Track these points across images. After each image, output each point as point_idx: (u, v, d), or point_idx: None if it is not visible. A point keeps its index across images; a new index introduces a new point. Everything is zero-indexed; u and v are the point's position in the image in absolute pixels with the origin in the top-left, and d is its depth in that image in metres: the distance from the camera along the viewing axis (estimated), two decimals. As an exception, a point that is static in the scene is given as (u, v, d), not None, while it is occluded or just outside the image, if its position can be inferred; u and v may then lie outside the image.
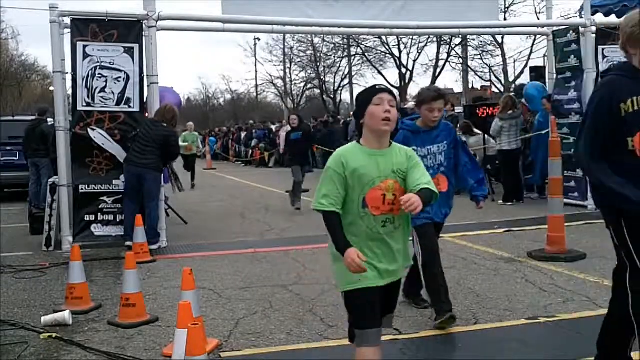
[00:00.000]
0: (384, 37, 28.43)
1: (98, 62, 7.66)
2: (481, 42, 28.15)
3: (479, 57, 29.49)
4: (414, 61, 32.11)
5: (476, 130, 12.16)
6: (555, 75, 10.36)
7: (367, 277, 2.82)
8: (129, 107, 7.79)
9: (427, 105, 4.37)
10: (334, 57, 36.21)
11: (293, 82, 40.94)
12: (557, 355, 3.86)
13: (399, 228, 2.90)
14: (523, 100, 11.20)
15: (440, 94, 4.46)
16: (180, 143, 15.48)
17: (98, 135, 7.67)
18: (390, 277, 2.92)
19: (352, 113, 19.65)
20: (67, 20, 7.71)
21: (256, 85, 45.18)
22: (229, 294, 5.50)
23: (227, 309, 5.02)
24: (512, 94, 12.09)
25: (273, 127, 26.62)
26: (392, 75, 33.85)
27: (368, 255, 2.81)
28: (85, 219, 7.68)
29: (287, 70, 40.35)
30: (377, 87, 2.97)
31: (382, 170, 2.84)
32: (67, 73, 7.82)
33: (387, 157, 2.88)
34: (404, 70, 32.42)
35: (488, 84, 31.39)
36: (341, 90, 38.91)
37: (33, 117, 12.01)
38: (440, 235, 7.49)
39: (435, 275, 4.37)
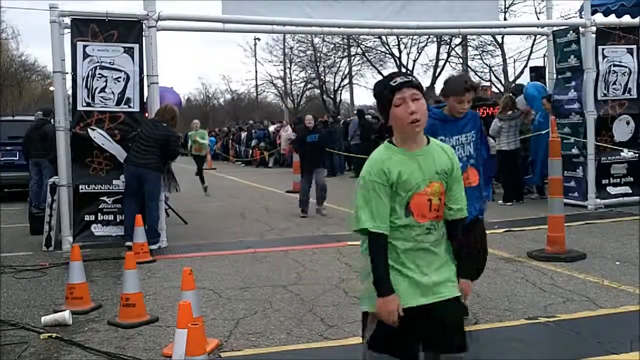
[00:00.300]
0: (384, 37, 28.44)
1: (98, 62, 7.66)
2: (481, 42, 28.15)
3: (479, 57, 29.50)
4: (414, 61, 32.11)
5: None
6: (555, 75, 10.36)
7: (404, 296, 2.43)
8: (129, 107, 7.79)
9: (457, 97, 4.05)
10: (334, 57, 36.23)
11: (293, 82, 40.99)
12: (557, 355, 3.86)
13: (442, 237, 2.55)
14: (519, 105, 11.12)
15: (472, 85, 4.15)
16: (190, 143, 15.29)
17: (98, 135, 7.67)
18: (435, 294, 2.47)
19: (355, 112, 19.64)
20: (67, 20, 7.71)
21: (256, 85, 45.24)
22: (229, 294, 5.50)
23: (227, 309, 5.02)
24: (510, 94, 12.06)
25: (272, 128, 26.58)
26: (392, 75, 33.80)
27: (409, 268, 2.46)
28: (85, 219, 7.69)
29: (287, 70, 40.42)
30: (392, 83, 2.46)
31: (426, 172, 2.48)
32: (67, 73, 7.82)
33: (428, 156, 2.51)
34: (404, 70, 32.40)
35: (488, 84, 31.35)
36: (341, 90, 38.96)
37: (35, 117, 11.99)
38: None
39: None
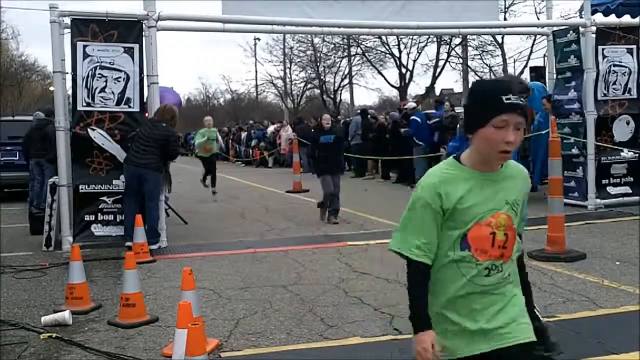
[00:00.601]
0: (384, 37, 28.44)
1: (98, 62, 7.66)
2: (481, 42, 28.15)
3: (479, 57, 29.50)
4: (414, 61, 32.13)
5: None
6: (555, 75, 10.36)
7: (455, 347, 2.07)
8: (129, 107, 7.79)
9: None
10: (334, 57, 36.25)
11: (293, 82, 41.00)
12: (557, 355, 3.86)
13: (507, 278, 2.10)
14: None
15: (527, 86, 3.88)
16: (198, 141, 13.16)
17: (98, 135, 7.67)
18: (499, 340, 2.04)
19: (358, 112, 19.60)
20: (67, 20, 7.72)
21: (256, 85, 45.22)
22: (229, 294, 5.50)
23: (227, 309, 5.02)
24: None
25: (271, 128, 26.55)
26: (392, 75, 33.91)
27: (460, 314, 2.07)
28: (85, 219, 7.69)
29: (287, 70, 40.42)
30: (505, 99, 1.99)
31: (496, 200, 2.08)
32: (67, 73, 7.83)
33: (501, 181, 2.12)
34: (404, 70, 32.43)
35: (488, 84, 31.32)
36: (341, 90, 38.98)
37: (33, 118, 11.97)
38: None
39: None
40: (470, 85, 2.19)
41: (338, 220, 9.30)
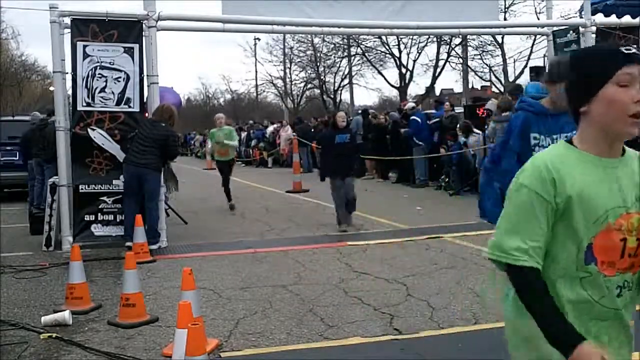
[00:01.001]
0: (384, 37, 28.44)
1: (98, 62, 7.66)
2: (481, 42, 28.15)
3: (479, 57, 29.51)
4: (414, 61, 32.13)
5: (475, 130, 12.19)
6: (555, 75, 10.34)
7: None
8: (129, 107, 7.79)
9: None
10: (334, 57, 36.25)
11: (293, 82, 41.00)
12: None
13: (635, 296, 1.70)
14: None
15: None
16: (208, 146, 12.15)
17: (98, 135, 7.67)
18: None
19: (359, 112, 19.57)
20: (67, 20, 7.72)
21: (256, 85, 45.21)
22: (229, 294, 5.50)
23: (227, 309, 5.02)
24: (507, 95, 12.06)
25: (271, 128, 26.56)
26: (392, 75, 33.91)
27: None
28: (85, 219, 7.68)
29: (287, 70, 40.42)
30: (625, 51, 1.66)
31: (624, 195, 1.62)
32: (67, 73, 7.83)
33: (628, 172, 1.66)
34: (404, 70, 32.43)
35: (488, 84, 31.38)
36: (341, 90, 38.97)
37: (31, 118, 11.98)
38: (440, 235, 7.48)
39: None
40: (571, 58, 1.78)
41: (347, 228, 8.45)
